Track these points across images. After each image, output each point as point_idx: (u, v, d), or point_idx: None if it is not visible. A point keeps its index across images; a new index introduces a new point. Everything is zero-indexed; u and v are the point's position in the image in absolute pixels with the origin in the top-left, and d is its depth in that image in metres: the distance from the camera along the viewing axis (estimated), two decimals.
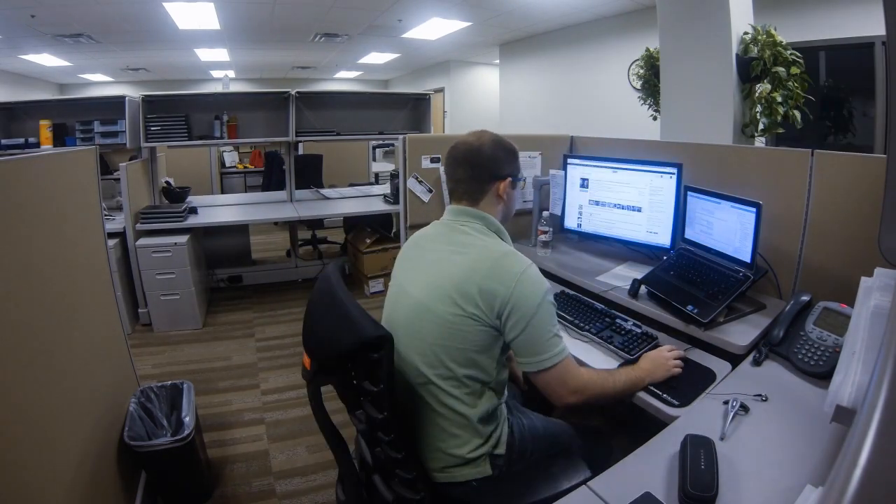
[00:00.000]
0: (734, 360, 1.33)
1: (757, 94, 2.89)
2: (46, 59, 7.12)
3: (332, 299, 1.01)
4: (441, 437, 1.11)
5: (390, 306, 1.23)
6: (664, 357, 1.29)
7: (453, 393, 1.08)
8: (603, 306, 1.64)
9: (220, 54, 7.78)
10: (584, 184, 2.11)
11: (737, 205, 1.55)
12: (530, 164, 2.37)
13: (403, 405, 1.11)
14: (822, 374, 1.20)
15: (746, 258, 1.52)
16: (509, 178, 1.24)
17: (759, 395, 1.14)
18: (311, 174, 5.18)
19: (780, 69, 2.78)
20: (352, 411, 1.08)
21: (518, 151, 1.29)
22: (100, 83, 9.85)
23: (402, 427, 0.99)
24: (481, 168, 1.22)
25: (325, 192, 4.69)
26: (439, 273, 1.12)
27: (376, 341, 0.90)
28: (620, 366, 1.35)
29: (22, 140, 3.43)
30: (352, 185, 5.27)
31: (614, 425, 2.15)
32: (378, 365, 0.92)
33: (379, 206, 4.10)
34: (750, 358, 1.32)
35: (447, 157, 1.27)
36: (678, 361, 1.30)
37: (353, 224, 4.44)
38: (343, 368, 1.01)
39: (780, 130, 2.97)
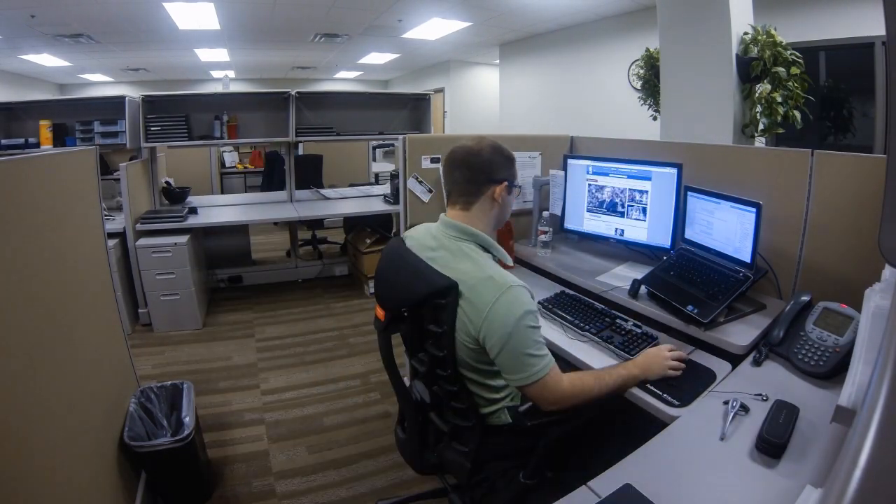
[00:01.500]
0: (734, 360, 1.34)
1: (757, 95, 2.89)
2: (46, 59, 7.12)
3: (402, 261, 1.22)
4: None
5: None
6: (663, 356, 1.30)
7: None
8: (603, 306, 1.64)
9: (220, 54, 7.78)
10: (584, 184, 2.11)
11: (737, 205, 1.55)
12: (530, 165, 2.38)
13: None
14: (822, 375, 1.20)
15: (746, 258, 1.52)
16: (505, 183, 1.26)
17: (760, 395, 1.14)
18: (311, 174, 5.18)
19: (780, 69, 2.78)
20: (414, 355, 1.31)
21: (515, 159, 1.32)
22: (100, 83, 9.85)
23: (457, 365, 1.18)
24: (478, 171, 1.24)
25: (325, 192, 4.69)
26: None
27: (445, 289, 1.10)
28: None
29: (22, 140, 3.43)
30: (352, 185, 5.27)
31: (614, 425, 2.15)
32: (443, 309, 1.11)
33: (379, 207, 4.10)
34: (750, 358, 1.32)
35: (445, 159, 1.30)
36: (676, 363, 1.29)
37: (353, 224, 4.44)
38: (414, 314, 1.22)
39: (780, 130, 2.97)
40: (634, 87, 4.98)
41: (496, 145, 1.28)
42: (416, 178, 2.15)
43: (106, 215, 1.98)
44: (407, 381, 1.40)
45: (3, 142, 3.41)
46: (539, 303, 1.72)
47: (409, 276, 1.18)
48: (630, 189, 1.96)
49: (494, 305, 1.08)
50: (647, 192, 1.91)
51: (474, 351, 1.16)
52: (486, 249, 1.24)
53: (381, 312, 1.25)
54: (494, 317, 1.08)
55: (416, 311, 1.22)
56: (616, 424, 2.17)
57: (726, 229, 1.60)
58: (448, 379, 1.18)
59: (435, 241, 1.25)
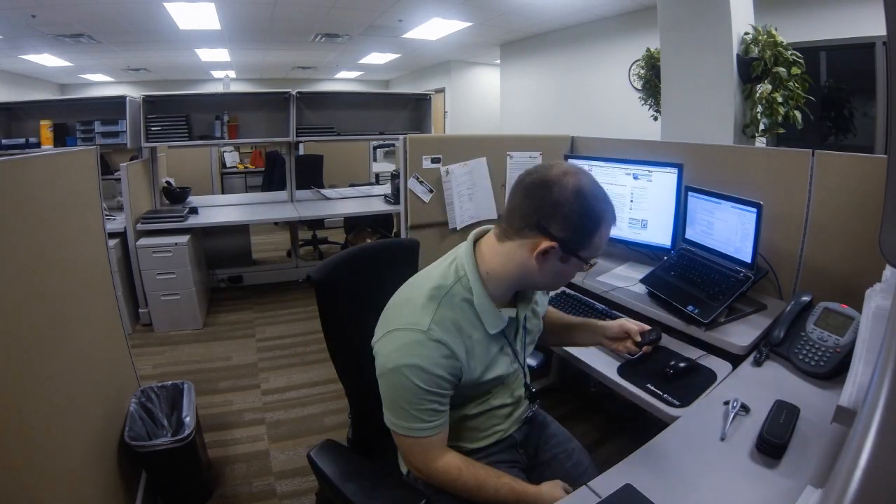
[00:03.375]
0: (735, 360, 1.34)
1: (758, 95, 2.89)
2: (47, 59, 7.12)
3: None
4: None
5: None
6: (563, 493, 1.01)
7: None
8: (604, 306, 1.65)
9: (221, 54, 7.78)
10: None
11: (737, 205, 1.55)
12: (531, 164, 2.37)
13: None
14: (822, 375, 1.20)
15: (747, 258, 1.52)
16: (555, 245, 0.88)
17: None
18: (311, 174, 5.18)
19: (781, 69, 2.78)
20: None
21: (602, 223, 0.91)
22: (100, 83, 9.86)
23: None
24: (533, 206, 0.90)
25: (326, 192, 4.69)
26: None
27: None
28: (620, 366, 1.35)
29: (22, 140, 3.44)
30: (352, 185, 5.27)
31: (615, 426, 2.15)
32: None
33: (379, 207, 4.10)
34: (750, 358, 1.32)
35: (519, 175, 0.95)
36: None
37: (354, 224, 4.45)
38: None
39: (781, 131, 2.97)
40: (635, 87, 4.98)
41: (583, 190, 0.88)
42: (417, 179, 2.15)
43: (106, 215, 1.98)
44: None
45: (4, 142, 3.41)
46: None
47: None
48: (631, 189, 1.96)
49: (388, 335, 0.93)
50: (647, 192, 1.91)
51: None
52: (458, 283, 0.97)
53: None
54: (380, 346, 0.94)
55: None
56: (616, 424, 2.17)
57: (727, 229, 1.60)
58: None
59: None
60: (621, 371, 1.33)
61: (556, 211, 0.88)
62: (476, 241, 1.03)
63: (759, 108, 2.93)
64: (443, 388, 0.93)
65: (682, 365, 1.29)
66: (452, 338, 0.92)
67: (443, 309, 0.93)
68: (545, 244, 0.89)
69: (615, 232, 2.00)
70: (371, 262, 1.29)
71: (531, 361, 1.26)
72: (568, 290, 1.81)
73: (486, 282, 0.97)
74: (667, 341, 1.46)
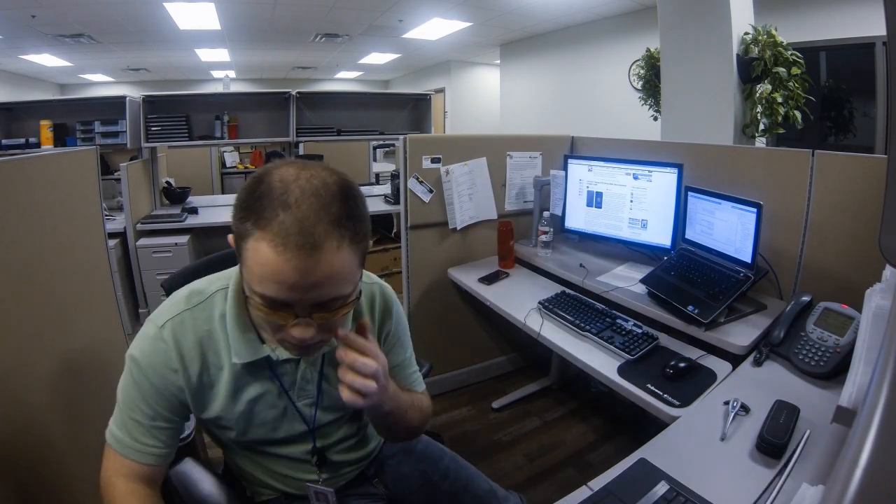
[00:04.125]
0: (735, 360, 1.33)
1: (757, 95, 2.89)
2: (47, 59, 7.12)
3: None
4: None
5: None
6: None
7: None
8: (604, 307, 1.65)
9: (221, 54, 7.78)
10: (585, 184, 2.11)
11: (737, 205, 1.55)
12: (531, 165, 2.38)
13: None
14: (822, 375, 1.20)
15: (747, 258, 1.52)
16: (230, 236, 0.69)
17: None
18: None
19: (781, 69, 2.78)
20: None
21: (265, 201, 0.62)
22: (100, 83, 9.85)
23: None
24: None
25: None
26: None
27: None
28: (620, 366, 1.35)
29: (22, 140, 3.43)
30: None
31: (615, 426, 2.15)
32: None
33: (379, 207, 4.09)
34: (750, 358, 1.32)
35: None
36: None
37: None
38: None
39: (781, 131, 2.97)
40: (635, 87, 4.99)
41: (252, 176, 0.68)
42: (417, 179, 2.15)
43: (106, 215, 1.97)
44: None
45: (4, 142, 3.41)
46: (539, 303, 1.72)
47: None
48: (631, 189, 1.96)
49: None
50: (647, 192, 1.91)
51: None
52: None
53: None
54: None
55: None
56: (616, 424, 2.17)
57: (727, 229, 1.60)
58: None
59: None
60: (621, 371, 1.33)
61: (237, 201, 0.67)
62: None
63: (759, 108, 2.93)
64: (156, 405, 0.77)
65: (681, 365, 1.29)
66: (188, 347, 0.77)
67: (192, 312, 0.78)
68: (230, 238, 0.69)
69: (616, 232, 2.02)
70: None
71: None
72: (568, 291, 1.81)
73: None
74: (667, 341, 1.47)
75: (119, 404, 0.79)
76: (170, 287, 1.07)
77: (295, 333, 0.66)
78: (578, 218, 2.15)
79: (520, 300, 1.81)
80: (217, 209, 4.08)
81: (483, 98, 9.29)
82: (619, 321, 1.54)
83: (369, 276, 0.94)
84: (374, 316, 0.92)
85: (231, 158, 7.08)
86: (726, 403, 1.11)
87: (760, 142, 3.10)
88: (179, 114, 3.72)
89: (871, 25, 3.55)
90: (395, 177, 4.37)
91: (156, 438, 0.79)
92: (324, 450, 0.93)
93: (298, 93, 3.97)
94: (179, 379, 0.77)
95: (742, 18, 2.97)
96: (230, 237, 0.69)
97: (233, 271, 0.82)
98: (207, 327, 0.79)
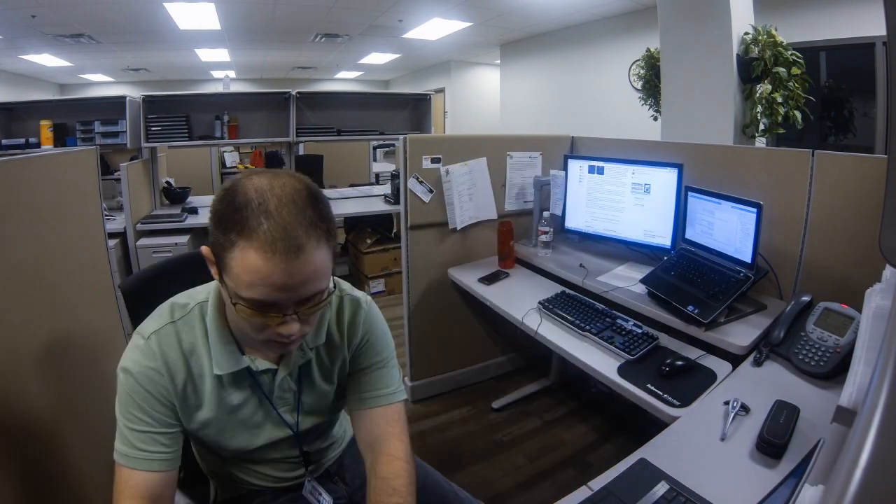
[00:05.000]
0: (735, 360, 1.33)
1: (758, 95, 2.89)
2: (47, 59, 7.13)
3: None
4: None
5: None
6: None
7: None
8: (604, 307, 1.65)
9: (221, 54, 7.78)
10: (585, 184, 2.11)
11: (737, 205, 1.55)
12: (531, 165, 2.38)
13: None
14: (822, 375, 1.20)
15: (747, 258, 1.52)
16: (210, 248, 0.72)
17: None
18: (311, 174, 5.16)
19: (781, 69, 2.79)
20: None
21: (244, 213, 0.65)
22: (100, 83, 9.86)
23: None
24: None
25: (326, 192, 4.63)
26: None
27: None
28: (620, 366, 1.35)
29: (22, 140, 3.43)
30: (352, 185, 5.27)
31: (615, 426, 2.15)
32: None
33: (379, 207, 4.10)
34: (750, 358, 1.32)
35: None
36: None
37: (354, 224, 4.44)
38: None
39: (781, 131, 2.97)
40: (635, 88, 4.99)
41: (225, 190, 0.69)
42: (417, 179, 2.15)
43: (106, 215, 1.98)
44: None
45: (4, 142, 3.41)
46: (539, 303, 1.72)
47: None
48: (631, 189, 1.96)
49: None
50: (647, 192, 1.91)
51: None
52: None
53: None
54: None
55: None
56: (616, 424, 2.17)
57: (727, 229, 1.60)
58: None
59: None
60: (621, 371, 1.33)
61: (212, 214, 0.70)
62: None
63: (759, 109, 2.93)
64: (153, 412, 0.80)
65: (678, 363, 1.30)
66: (173, 358, 0.79)
67: (176, 326, 0.81)
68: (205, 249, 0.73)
69: (616, 232, 2.02)
70: (191, 271, 1.03)
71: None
72: (568, 291, 1.81)
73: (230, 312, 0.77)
74: (667, 341, 1.47)
75: (119, 421, 0.81)
76: (127, 289, 1.05)
77: (282, 331, 0.71)
78: (578, 218, 2.15)
79: (520, 300, 1.81)
80: None
81: (483, 98, 9.29)
82: (619, 321, 1.54)
83: (351, 290, 0.98)
84: (342, 324, 0.93)
85: (231, 158, 7.08)
86: (726, 403, 1.11)
87: (760, 142, 3.10)
88: (179, 114, 3.72)
89: (871, 25, 3.55)
90: (395, 177, 4.37)
91: (158, 444, 0.80)
92: (308, 451, 1.00)
93: (298, 93, 3.97)
94: (168, 385, 0.80)
95: (742, 18, 2.97)
96: (205, 250, 0.72)
97: (211, 286, 0.85)
98: (191, 339, 0.81)
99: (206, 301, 0.83)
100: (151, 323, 0.82)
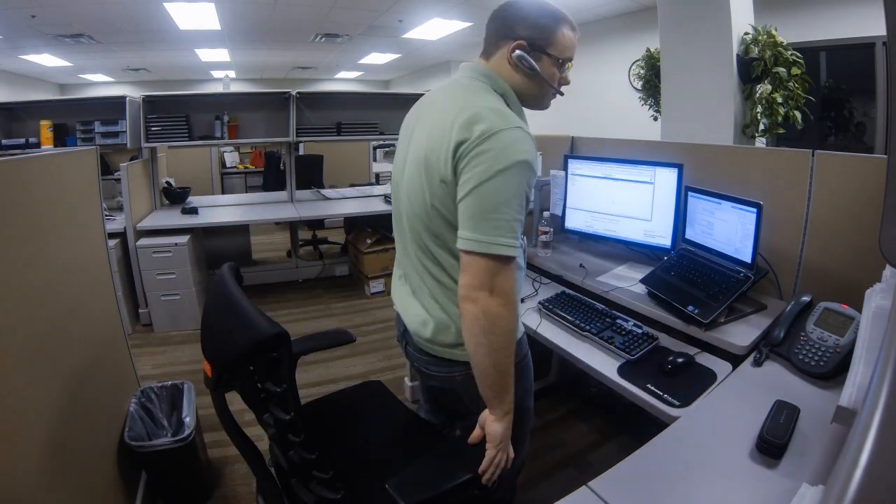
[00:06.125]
0: (735, 360, 1.33)
1: (758, 95, 2.89)
2: (47, 60, 7.12)
3: (227, 301, 0.97)
4: (439, 308, 1.08)
5: (393, 201, 1.18)
6: (509, 453, 1.03)
7: (444, 271, 1.05)
8: (604, 307, 1.65)
9: (221, 55, 7.78)
10: (585, 184, 2.11)
11: (737, 205, 1.55)
12: None
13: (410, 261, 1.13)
14: (822, 375, 1.20)
15: (747, 259, 1.52)
16: (525, 43, 1.02)
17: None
18: (311, 174, 5.18)
19: (781, 70, 2.79)
20: (260, 416, 0.99)
21: (560, 21, 1.05)
22: (100, 83, 9.86)
23: (311, 427, 0.97)
24: (501, 21, 1.05)
25: (326, 192, 4.69)
26: (420, 144, 1.03)
27: (273, 339, 0.87)
28: (620, 366, 1.35)
29: (22, 140, 3.44)
30: (352, 185, 5.27)
31: (615, 426, 2.15)
32: (278, 364, 0.90)
33: (379, 207, 4.10)
34: (750, 358, 1.32)
35: None
36: (492, 472, 1.01)
37: (354, 224, 4.44)
38: (245, 371, 0.95)
39: (781, 131, 2.97)
40: (635, 87, 4.99)
41: (537, 1, 1.05)
42: None
43: (106, 215, 1.98)
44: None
45: (4, 142, 3.41)
46: (539, 303, 1.72)
47: (230, 322, 0.94)
48: (631, 189, 1.96)
49: (497, 134, 0.91)
50: (647, 192, 1.91)
51: (440, 195, 0.97)
52: (500, 95, 1.04)
53: (207, 367, 0.98)
54: (489, 145, 0.90)
55: (244, 367, 0.95)
56: (616, 424, 2.17)
57: (727, 229, 1.60)
58: (304, 446, 0.96)
59: (448, 86, 1.09)
60: (621, 371, 1.33)
61: (517, 19, 1.03)
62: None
63: (759, 109, 2.93)
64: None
65: (679, 360, 1.30)
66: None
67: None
68: (515, 44, 1.02)
69: (616, 232, 2.02)
70: None
71: None
72: (568, 291, 1.81)
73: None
74: (667, 341, 1.47)
75: (508, 214, 0.91)
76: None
77: (569, 76, 1.12)
78: (578, 218, 2.15)
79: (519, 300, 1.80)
80: (217, 209, 4.08)
81: None
82: (619, 321, 1.54)
83: (506, 118, 0.96)
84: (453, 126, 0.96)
85: (231, 158, 7.09)
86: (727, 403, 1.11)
87: (760, 142, 3.10)
88: (179, 114, 3.72)
89: (871, 25, 3.55)
90: None
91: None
92: None
93: (298, 93, 3.97)
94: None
95: (742, 18, 2.97)
96: (519, 45, 1.03)
97: (472, 95, 1.01)
98: None
99: (505, 105, 1.02)
100: (507, 118, 0.94)
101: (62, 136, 3.50)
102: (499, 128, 0.91)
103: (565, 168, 2.17)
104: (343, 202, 4.42)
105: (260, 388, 0.96)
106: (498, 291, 0.90)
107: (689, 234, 1.78)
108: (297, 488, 1.03)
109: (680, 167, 1.81)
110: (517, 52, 1.03)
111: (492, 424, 0.99)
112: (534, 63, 1.03)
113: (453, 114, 0.96)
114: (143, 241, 3.17)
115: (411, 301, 1.16)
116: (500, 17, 1.06)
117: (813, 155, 1.52)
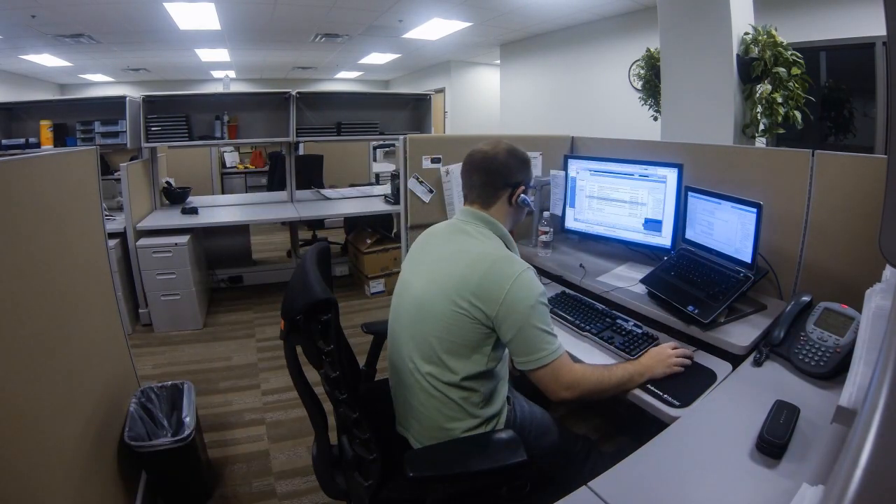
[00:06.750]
0: (735, 360, 1.33)
1: (757, 95, 2.89)
2: (47, 60, 7.13)
3: (303, 271, 1.14)
4: (437, 417, 1.19)
5: (396, 298, 1.32)
6: (666, 353, 1.31)
7: (448, 381, 1.17)
8: (604, 307, 1.65)
9: (221, 54, 7.78)
10: (585, 184, 2.11)
11: (737, 205, 1.55)
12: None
13: (396, 387, 1.29)
14: (822, 375, 1.20)
15: (747, 259, 1.52)
16: (521, 186, 1.30)
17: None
18: (311, 174, 5.18)
19: (781, 69, 2.78)
20: (319, 372, 1.15)
21: (531, 161, 1.35)
22: (100, 83, 9.86)
23: (357, 389, 1.16)
24: (495, 175, 1.28)
25: (326, 192, 4.69)
26: (440, 271, 1.20)
27: (322, 304, 1.00)
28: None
29: (22, 140, 3.44)
30: (352, 185, 5.27)
31: (615, 426, 2.15)
32: (327, 325, 1.02)
33: (379, 207, 4.10)
34: (750, 358, 1.32)
35: (464, 163, 1.33)
36: (680, 360, 1.30)
37: (354, 224, 4.44)
38: (305, 329, 1.07)
39: (781, 131, 2.97)
40: (635, 88, 4.99)
41: (511, 148, 1.31)
42: (417, 179, 2.15)
43: (106, 215, 1.98)
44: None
45: (4, 142, 3.41)
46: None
47: (299, 287, 1.09)
48: (631, 189, 1.96)
49: (516, 281, 1.11)
50: (647, 192, 1.91)
51: (474, 332, 1.15)
52: (499, 238, 1.28)
53: (282, 322, 1.12)
54: (516, 293, 1.11)
55: (304, 323, 1.06)
56: (616, 424, 2.17)
57: (727, 230, 1.60)
58: (347, 403, 1.09)
59: (454, 227, 1.31)
60: None
61: (509, 167, 1.28)
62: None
63: (759, 109, 2.93)
64: None
65: None
66: None
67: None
68: (517, 191, 1.30)
69: (616, 232, 2.02)
70: None
71: None
72: (568, 291, 1.81)
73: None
74: (667, 342, 1.47)
75: (545, 329, 1.14)
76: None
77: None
78: (578, 218, 2.15)
79: None
80: (217, 209, 4.08)
81: (483, 98, 9.29)
82: (619, 321, 1.54)
83: (513, 263, 1.17)
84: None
85: (231, 158, 7.09)
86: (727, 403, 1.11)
87: (760, 142, 3.10)
88: (179, 114, 3.72)
89: (871, 25, 3.55)
90: (395, 177, 4.37)
91: None
92: None
93: (298, 93, 3.97)
94: None
95: (742, 18, 2.97)
96: (522, 190, 1.32)
97: (482, 244, 1.23)
98: None
99: (503, 241, 1.27)
100: (514, 263, 1.15)
101: (62, 136, 3.50)
102: (516, 273, 1.13)
103: (565, 168, 2.17)
104: (343, 202, 4.42)
105: (316, 346, 1.08)
106: (565, 383, 1.17)
107: (689, 234, 1.78)
108: (344, 443, 1.25)
109: (680, 167, 1.81)
110: (522, 196, 1.31)
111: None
112: (523, 199, 1.32)
113: (471, 262, 1.17)
114: (143, 241, 3.17)
115: None
116: (491, 169, 1.28)
117: (813, 155, 1.52)
